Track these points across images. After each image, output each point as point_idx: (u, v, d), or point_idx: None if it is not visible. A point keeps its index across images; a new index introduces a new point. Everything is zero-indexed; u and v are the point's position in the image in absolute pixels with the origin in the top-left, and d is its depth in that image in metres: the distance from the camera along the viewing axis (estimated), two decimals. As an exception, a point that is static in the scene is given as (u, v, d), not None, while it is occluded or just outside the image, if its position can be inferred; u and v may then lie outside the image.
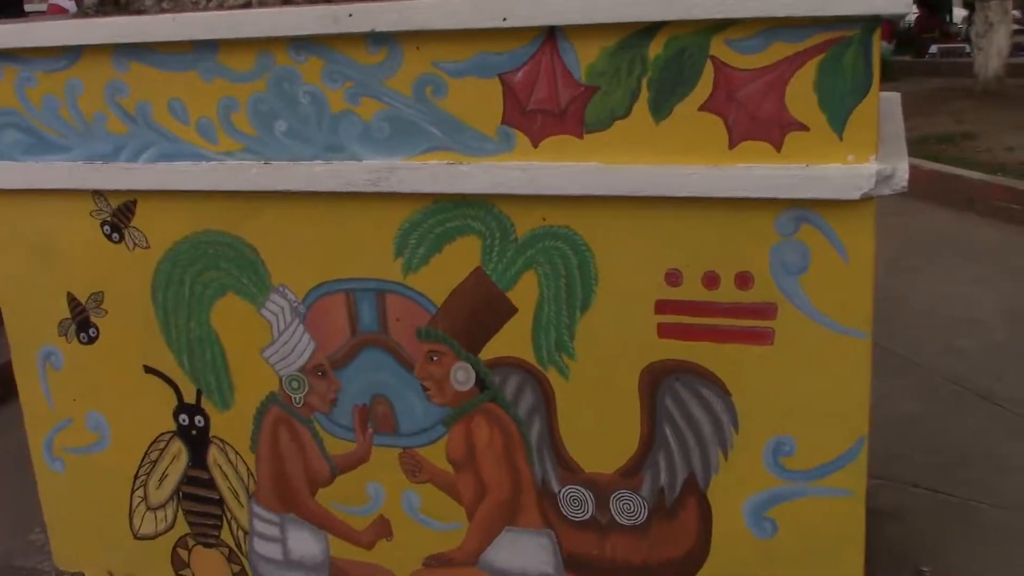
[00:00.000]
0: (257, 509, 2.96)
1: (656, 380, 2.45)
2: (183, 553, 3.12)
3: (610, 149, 2.32)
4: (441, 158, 2.46)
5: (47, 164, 2.82)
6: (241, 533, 3.01)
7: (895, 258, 6.34)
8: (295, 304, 2.71)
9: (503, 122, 2.39)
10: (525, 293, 2.50)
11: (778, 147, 2.21)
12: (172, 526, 3.10)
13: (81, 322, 2.98)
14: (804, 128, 2.19)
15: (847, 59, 2.12)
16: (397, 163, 2.48)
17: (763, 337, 2.34)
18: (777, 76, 2.17)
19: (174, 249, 2.80)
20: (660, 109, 2.27)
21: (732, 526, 2.49)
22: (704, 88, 2.22)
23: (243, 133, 2.61)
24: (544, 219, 2.43)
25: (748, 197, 2.22)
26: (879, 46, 2.11)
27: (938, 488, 3.52)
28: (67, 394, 3.08)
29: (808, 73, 2.15)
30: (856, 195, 2.14)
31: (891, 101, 3.05)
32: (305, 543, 2.93)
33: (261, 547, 2.99)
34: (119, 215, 2.82)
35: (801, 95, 2.17)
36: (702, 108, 2.24)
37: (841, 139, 2.17)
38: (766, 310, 2.32)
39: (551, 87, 2.33)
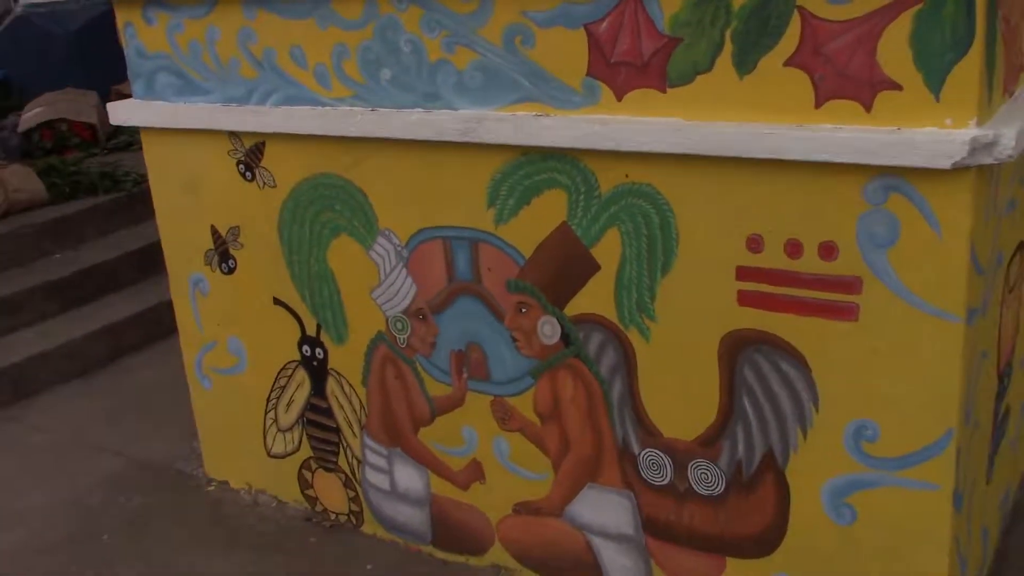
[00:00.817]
0: (368, 441, 3.11)
1: (736, 349, 2.34)
2: (307, 475, 3.33)
3: (693, 105, 2.21)
4: (529, 109, 2.43)
5: (192, 105, 3.04)
6: (355, 461, 3.17)
7: None
8: (399, 248, 2.79)
9: (588, 74, 2.32)
10: (608, 251, 2.44)
11: (868, 107, 2.02)
12: (298, 448, 3.32)
13: (222, 253, 3.21)
14: (897, 87, 1.98)
15: (947, 8, 1.89)
16: (486, 113, 2.47)
17: (847, 312, 2.17)
18: (868, 28, 1.97)
19: (296, 189, 2.95)
20: (744, 63, 2.12)
21: (810, 508, 2.35)
22: (790, 41, 2.06)
23: (353, 80, 2.69)
24: (627, 176, 2.36)
25: (832, 161, 2.05)
26: (985, -6, 1.87)
27: (1107, 489, 3.15)
28: (212, 318, 3.34)
29: (903, 25, 1.94)
30: (947, 164, 1.92)
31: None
32: (410, 477, 3.05)
33: (372, 476, 3.14)
34: (251, 155, 3.00)
35: (894, 50, 1.96)
36: (788, 63, 2.07)
37: (938, 100, 1.95)
38: (851, 284, 2.15)
39: (634, 38, 2.23)
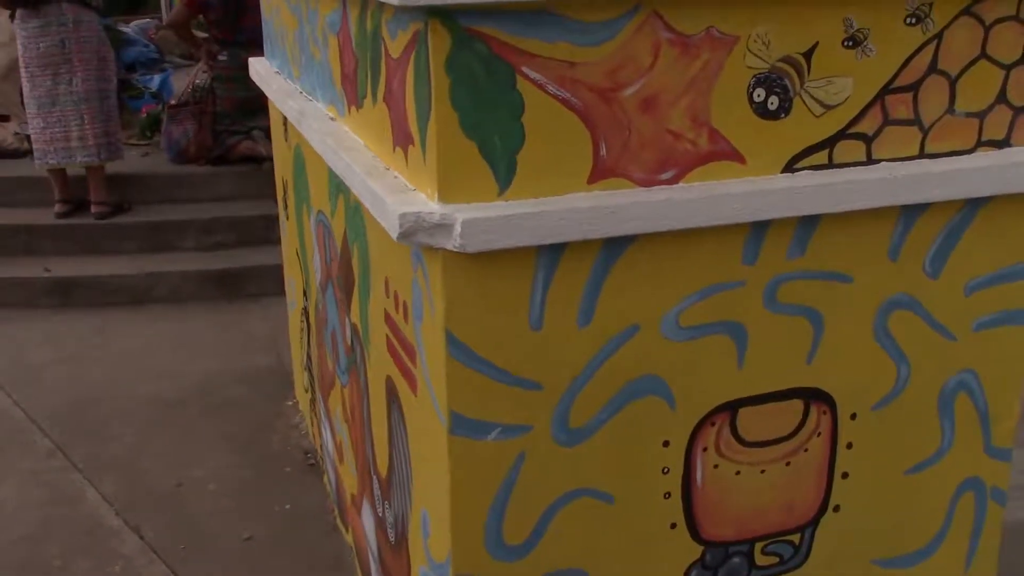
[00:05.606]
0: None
1: (389, 399, 2.17)
2: (313, 416, 3.66)
3: None
4: None
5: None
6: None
7: None
8: (314, 223, 2.96)
9: None
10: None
11: (405, 157, 1.77)
12: (310, 389, 3.65)
13: (284, 197, 3.63)
14: (410, 140, 1.71)
15: (420, 58, 1.60)
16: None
17: (412, 382, 1.92)
18: (402, 66, 1.72)
19: (296, 149, 3.24)
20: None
21: (415, 589, 2.12)
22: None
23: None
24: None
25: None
26: None
27: None
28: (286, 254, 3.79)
29: (411, 70, 1.67)
30: (394, 236, 1.63)
31: None
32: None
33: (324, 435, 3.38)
34: (283, 118, 3.35)
35: (410, 95, 1.69)
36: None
37: (425, 162, 1.65)
38: (412, 351, 1.89)
39: None
